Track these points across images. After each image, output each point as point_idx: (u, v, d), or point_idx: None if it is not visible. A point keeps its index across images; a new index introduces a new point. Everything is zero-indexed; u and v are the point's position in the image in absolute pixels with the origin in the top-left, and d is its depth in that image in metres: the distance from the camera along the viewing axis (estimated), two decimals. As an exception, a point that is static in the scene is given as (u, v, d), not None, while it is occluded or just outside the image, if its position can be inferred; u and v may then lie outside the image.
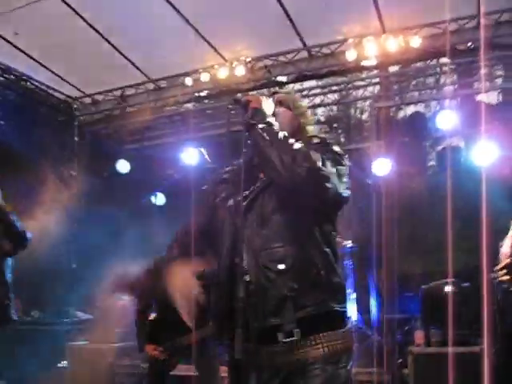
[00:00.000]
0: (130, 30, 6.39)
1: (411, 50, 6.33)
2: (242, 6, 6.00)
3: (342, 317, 2.10)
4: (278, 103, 2.32)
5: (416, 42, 6.25)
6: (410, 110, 7.82)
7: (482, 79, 6.28)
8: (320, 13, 6.07)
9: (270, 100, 2.26)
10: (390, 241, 5.84)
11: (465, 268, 5.72)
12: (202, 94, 7.23)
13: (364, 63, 6.72)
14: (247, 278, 2.02)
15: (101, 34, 6.49)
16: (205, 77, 7.07)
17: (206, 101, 7.53)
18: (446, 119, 6.27)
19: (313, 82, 7.35)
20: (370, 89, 7.35)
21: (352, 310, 5.69)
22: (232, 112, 2.24)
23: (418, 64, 6.90)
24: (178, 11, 6.11)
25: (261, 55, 6.93)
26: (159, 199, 7.52)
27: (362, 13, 6.10)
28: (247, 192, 2.16)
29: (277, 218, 2.08)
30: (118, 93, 7.83)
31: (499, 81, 6.96)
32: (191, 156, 7.08)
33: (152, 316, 4.50)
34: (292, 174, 1.98)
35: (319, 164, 2.00)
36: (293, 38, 6.60)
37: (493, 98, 7.27)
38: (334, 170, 2.06)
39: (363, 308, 5.97)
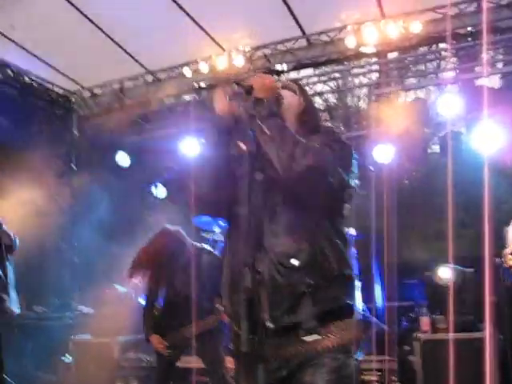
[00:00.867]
0: (127, 22, 6.34)
1: (411, 35, 6.28)
2: (240, -6, 5.95)
3: (351, 307, 2.09)
4: (284, 87, 2.24)
5: (416, 27, 6.19)
6: (410, 96, 7.77)
7: (483, 63, 6.22)
8: (318, 0, 6.01)
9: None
10: (391, 228, 5.82)
11: (467, 255, 5.69)
12: (201, 84, 7.17)
13: (363, 50, 6.66)
14: (258, 268, 1.96)
15: (98, 27, 6.45)
16: (203, 67, 7.01)
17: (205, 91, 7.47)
18: (448, 105, 6.22)
19: (311, 70, 7.30)
20: (370, 76, 7.31)
21: (358, 299, 5.67)
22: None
23: (418, 50, 6.85)
24: (175, 2, 6.05)
25: (259, 44, 6.87)
26: (160, 191, 7.49)
27: (361, -1, 6.05)
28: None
29: (285, 212, 2.04)
30: (117, 85, 7.77)
31: (500, 65, 6.92)
32: (191, 147, 7.04)
33: (158, 306, 4.49)
34: (289, 172, 1.94)
35: (320, 160, 1.95)
36: (291, 26, 6.54)
37: (494, 82, 7.23)
38: (339, 162, 2.02)
39: (368, 296, 5.94)
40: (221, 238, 6.20)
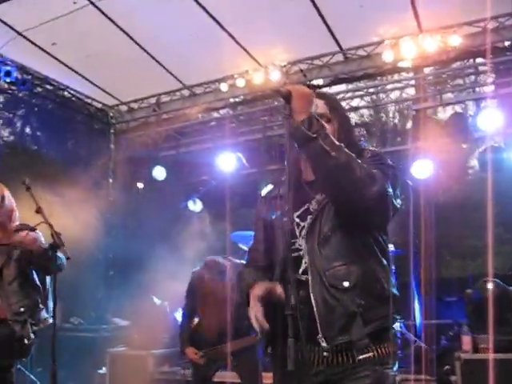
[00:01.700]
0: (164, 37, 6.42)
1: (449, 49, 6.21)
2: (276, 9, 5.96)
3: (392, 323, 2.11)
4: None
5: (454, 41, 6.12)
6: (448, 111, 7.67)
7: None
8: (355, 14, 5.98)
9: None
10: (430, 245, 5.73)
11: (507, 272, 5.57)
12: (238, 99, 7.21)
13: (401, 64, 6.62)
14: (302, 277, 2.04)
15: (136, 42, 6.54)
16: (240, 82, 7.05)
17: (242, 106, 7.52)
18: (486, 119, 6.13)
19: (348, 85, 7.28)
20: (407, 91, 7.25)
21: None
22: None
23: (455, 64, 6.78)
24: (211, 16, 6.10)
25: (296, 59, 6.88)
26: (197, 205, 7.52)
27: (399, 12, 5.99)
28: (301, 210, 2.14)
29: (336, 236, 2.07)
30: (154, 100, 7.87)
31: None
32: (227, 161, 7.07)
33: (196, 321, 4.51)
34: (363, 198, 1.93)
35: (387, 187, 1.97)
36: (328, 41, 6.52)
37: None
38: (391, 185, 2.02)
39: (407, 314, 5.85)
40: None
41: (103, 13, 6.06)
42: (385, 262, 2.10)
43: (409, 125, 7.48)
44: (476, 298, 5.07)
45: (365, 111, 10.74)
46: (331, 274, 2.03)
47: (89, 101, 7.93)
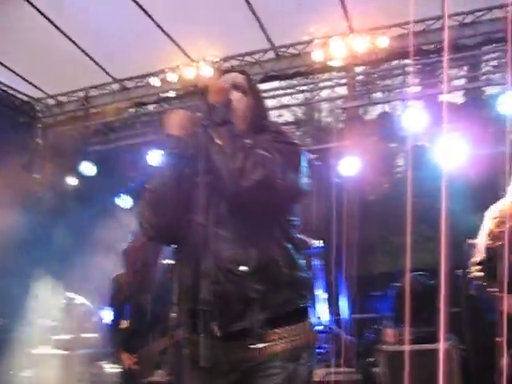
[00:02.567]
0: (94, 30, 6.28)
1: (378, 50, 6.37)
2: (210, 5, 5.94)
3: (303, 311, 2.06)
4: (233, 87, 2.18)
5: (383, 42, 6.28)
6: (376, 110, 7.87)
7: (445, 79, 6.35)
8: (287, 13, 6.05)
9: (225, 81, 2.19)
10: (357, 241, 5.85)
11: (430, 268, 5.77)
12: (169, 94, 7.14)
13: (331, 63, 6.73)
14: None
15: (64, 34, 6.35)
16: (171, 77, 6.99)
17: (173, 101, 7.44)
18: (412, 119, 6.31)
19: (279, 83, 7.33)
20: (337, 89, 7.37)
21: (323, 311, 5.68)
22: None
23: (385, 64, 6.95)
24: (144, 10, 6.02)
25: (228, 55, 6.87)
26: (125, 201, 7.39)
27: (330, 12, 6.09)
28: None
29: (233, 218, 1.98)
30: (82, 94, 7.67)
31: (463, 81, 7.07)
32: (157, 157, 6.97)
33: (124, 323, 4.42)
34: (237, 187, 1.90)
35: (269, 174, 1.90)
36: (260, 39, 6.56)
37: (457, 98, 7.38)
38: (289, 164, 1.98)
39: (334, 308, 5.96)
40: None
41: (30, 3, 5.85)
42: (288, 245, 2.03)
43: (341, 123, 7.60)
44: (399, 291, 5.23)
45: (298, 109, 10.85)
46: (227, 257, 1.93)
47: (14, 93, 7.64)
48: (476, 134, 5.97)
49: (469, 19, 6.05)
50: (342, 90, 7.34)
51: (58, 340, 6.05)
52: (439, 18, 6.07)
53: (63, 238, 6.87)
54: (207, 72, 6.77)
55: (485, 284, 3.49)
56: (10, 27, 6.07)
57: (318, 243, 5.75)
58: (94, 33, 6.33)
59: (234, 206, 1.98)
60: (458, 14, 6.02)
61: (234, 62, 6.95)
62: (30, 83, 7.39)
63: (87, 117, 7.73)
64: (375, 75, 7.06)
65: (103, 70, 7.12)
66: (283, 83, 7.27)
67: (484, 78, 6.62)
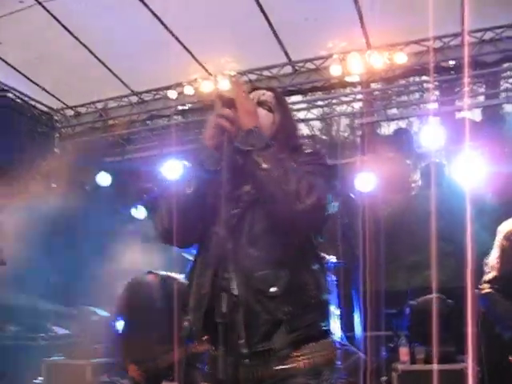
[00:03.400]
0: (113, 42, 6.34)
1: (396, 66, 6.36)
2: (228, 19, 5.98)
3: (327, 332, 2.05)
4: (258, 104, 2.14)
5: (401, 58, 6.28)
6: (392, 126, 7.85)
7: (464, 96, 6.32)
8: (305, 28, 6.06)
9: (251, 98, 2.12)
10: (372, 257, 5.81)
11: (449, 286, 5.70)
12: (186, 107, 7.17)
13: (348, 79, 6.74)
14: (234, 291, 1.90)
15: (84, 46, 6.42)
16: (189, 90, 7.03)
17: (190, 114, 7.48)
18: (429, 136, 6.28)
19: (296, 97, 7.35)
20: (354, 105, 7.37)
21: (336, 327, 5.63)
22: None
23: (402, 81, 6.94)
24: (162, 23, 6.07)
25: (245, 69, 6.90)
26: (140, 212, 7.42)
27: (348, 28, 6.11)
28: (233, 206, 2.00)
29: (267, 238, 1.96)
30: (101, 105, 7.74)
31: (482, 98, 7.04)
32: (172, 169, 6.99)
33: (132, 336, 4.42)
34: (292, 210, 1.86)
35: (323, 197, 1.90)
36: (278, 53, 6.58)
37: (476, 115, 7.34)
38: (328, 188, 1.97)
39: (347, 325, 5.90)
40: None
41: (51, 14, 5.93)
42: (316, 267, 2.03)
43: (357, 139, 7.59)
44: (415, 309, 5.16)
45: (316, 123, 10.87)
46: (258, 277, 1.92)
47: (34, 103, 7.72)
48: (494, 152, 5.93)
49: (488, 36, 6.03)
50: (359, 106, 7.35)
51: (71, 349, 6.05)
52: (457, 34, 6.06)
53: (78, 247, 6.89)
54: (224, 86, 6.80)
55: (497, 300, 3.45)
56: (31, 38, 6.14)
57: (333, 258, 5.71)
58: (113, 45, 6.39)
59: (270, 226, 1.96)
60: (477, 31, 6.00)
61: (252, 76, 6.97)
62: (50, 94, 7.47)
63: (105, 128, 7.80)
64: (391, 91, 7.04)
65: (122, 82, 7.18)
66: (300, 98, 7.28)
67: (503, 95, 6.57)
